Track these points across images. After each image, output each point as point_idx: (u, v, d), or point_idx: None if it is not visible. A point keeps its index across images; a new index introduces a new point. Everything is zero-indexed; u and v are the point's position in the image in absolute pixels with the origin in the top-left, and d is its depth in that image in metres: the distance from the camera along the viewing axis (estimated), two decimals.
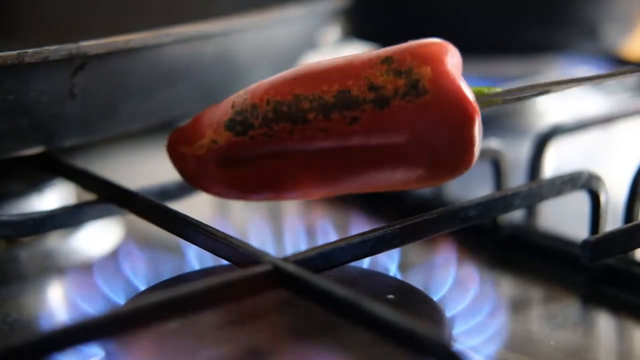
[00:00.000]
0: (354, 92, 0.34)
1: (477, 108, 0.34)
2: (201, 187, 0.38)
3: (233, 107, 0.36)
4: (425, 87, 0.34)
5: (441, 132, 0.34)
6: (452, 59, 0.35)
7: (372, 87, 0.34)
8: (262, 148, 0.35)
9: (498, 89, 0.36)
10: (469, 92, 0.34)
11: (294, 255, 0.33)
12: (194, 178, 0.38)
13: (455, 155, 0.34)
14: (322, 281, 0.30)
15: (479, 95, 0.35)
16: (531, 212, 0.45)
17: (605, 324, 0.39)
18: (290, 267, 0.31)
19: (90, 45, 0.37)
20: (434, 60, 0.34)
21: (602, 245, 0.36)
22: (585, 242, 0.35)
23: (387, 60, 0.35)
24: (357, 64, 0.35)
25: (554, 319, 0.39)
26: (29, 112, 0.38)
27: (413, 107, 0.34)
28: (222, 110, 0.36)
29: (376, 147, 0.34)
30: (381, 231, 0.34)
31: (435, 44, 0.35)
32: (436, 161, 0.35)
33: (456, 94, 0.34)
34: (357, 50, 0.73)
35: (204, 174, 0.37)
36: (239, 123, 0.35)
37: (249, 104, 0.36)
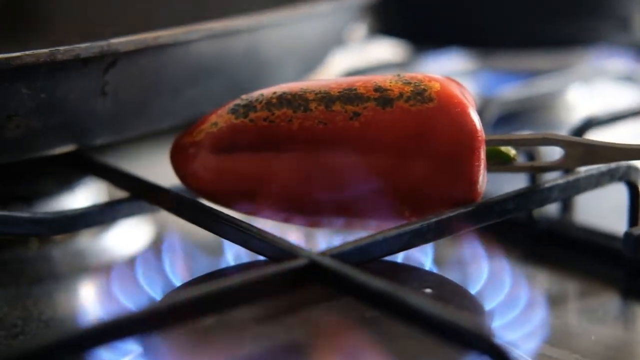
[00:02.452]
0: (359, 90, 0.35)
1: (482, 132, 0.34)
2: (188, 178, 0.37)
3: (241, 98, 0.36)
4: (431, 96, 0.34)
5: (442, 140, 0.33)
6: (461, 89, 0.35)
7: (378, 89, 0.35)
8: (260, 135, 0.35)
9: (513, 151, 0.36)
10: (474, 113, 0.34)
11: (330, 249, 0.32)
12: (184, 167, 0.37)
13: (456, 166, 0.34)
14: (361, 274, 0.30)
15: (493, 150, 0.36)
16: (566, 205, 0.45)
17: None
18: (327, 261, 0.31)
19: (121, 42, 0.37)
20: (444, 81, 0.35)
21: None
22: (628, 234, 0.35)
23: (399, 74, 0.35)
24: (370, 77, 0.36)
25: (594, 314, 0.38)
26: (61, 110, 0.38)
27: (416, 110, 0.34)
28: (231, 102, 0.37)
29: (374, 149, 0.34)
30: (417, 225, 0.34)
31: (447, 77, 0.36)
32: (433, 176, 0.34)
33: (462, 105, 0.34)
34: (385, 46, 0.73)
35: (196, 161, 0.36)
36: (242, 107, 0.36)
37: (257, 93, 0.36)
